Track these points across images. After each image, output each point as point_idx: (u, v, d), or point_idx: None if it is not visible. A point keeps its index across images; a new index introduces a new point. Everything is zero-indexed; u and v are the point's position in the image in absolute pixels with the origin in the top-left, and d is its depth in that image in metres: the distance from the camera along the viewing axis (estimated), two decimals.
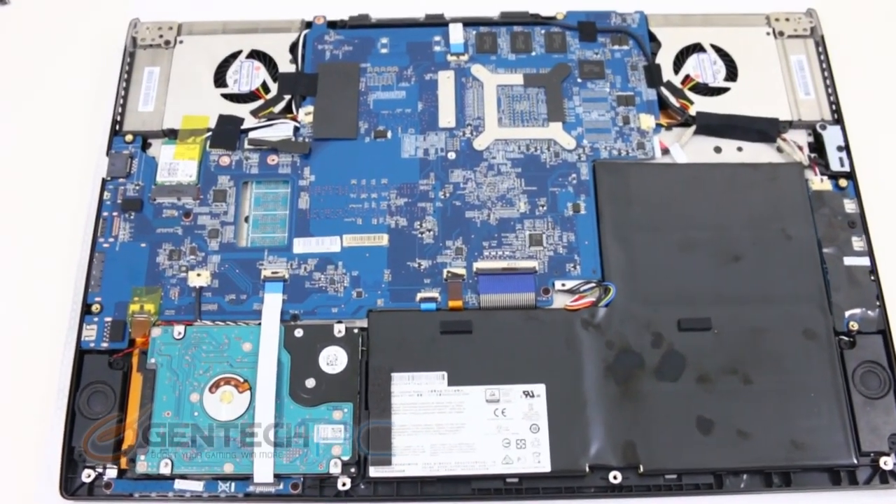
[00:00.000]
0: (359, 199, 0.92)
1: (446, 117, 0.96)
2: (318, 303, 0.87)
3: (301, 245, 0.90)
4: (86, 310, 0.87)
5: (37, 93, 1.05)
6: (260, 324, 0.85)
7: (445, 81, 0.98)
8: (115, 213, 0.91)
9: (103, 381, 0.84)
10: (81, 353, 0.85)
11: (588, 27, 1.01)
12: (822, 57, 1.00)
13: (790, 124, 0.96)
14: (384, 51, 1.00)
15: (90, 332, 0.86)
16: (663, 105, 0.97)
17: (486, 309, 0.87)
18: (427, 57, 1.00)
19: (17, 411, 0.87)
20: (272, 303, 0.87)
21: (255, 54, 1.01)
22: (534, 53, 1.00)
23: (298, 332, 0.85)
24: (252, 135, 0.95)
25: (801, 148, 0.94)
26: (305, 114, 0.96)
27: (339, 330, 0.86)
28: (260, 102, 0.98)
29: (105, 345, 0.85)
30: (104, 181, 0.93)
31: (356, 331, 0.85)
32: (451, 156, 0.94)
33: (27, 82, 1.06)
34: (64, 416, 0.83)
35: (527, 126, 0.96)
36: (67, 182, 0.98)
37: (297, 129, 0.96)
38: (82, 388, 0.84)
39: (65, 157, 1.00)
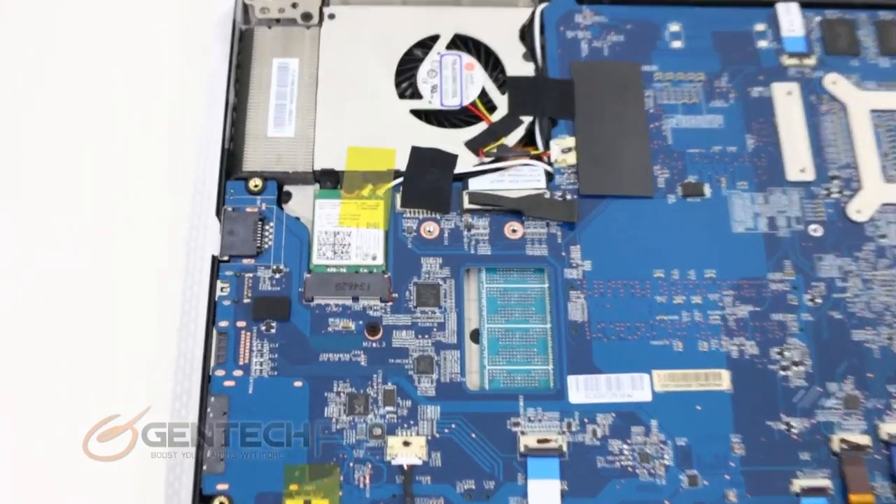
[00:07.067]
0: (670, 304, 0.54)
1: (797, 163, 0.59)
2: (623, 496, 0.52)
3: (581, 389, 0.53)
4: None
5: (95, 107, 0.64)
6: None
7: (785, 100, 0.60)
8: (240, 323, 0.53)
9: None
10: None
11: None
12: None
13: None
14: (676, 44, 0.63)
15: None
16: None
17: None
18: (748, 57, 0.63)
19: None
20: (544, 496, 0.49)
21: (461, 42, 0.61)
22: None
23: None
24: (475, 186, 0.56)
25: None
26: (562, 150, 0.57)
27: None
28: (482, 128, 0.58)
29: None
30: (217, 262, 0.53)
31: None
32: (816, 231, 0.57)
33: (79, 89, 0.65)
34: None
35: None
36: (151, 261, 0.58)
37: (549, 177, 0.57)
38: None
39: (143, 216, 0.60)
